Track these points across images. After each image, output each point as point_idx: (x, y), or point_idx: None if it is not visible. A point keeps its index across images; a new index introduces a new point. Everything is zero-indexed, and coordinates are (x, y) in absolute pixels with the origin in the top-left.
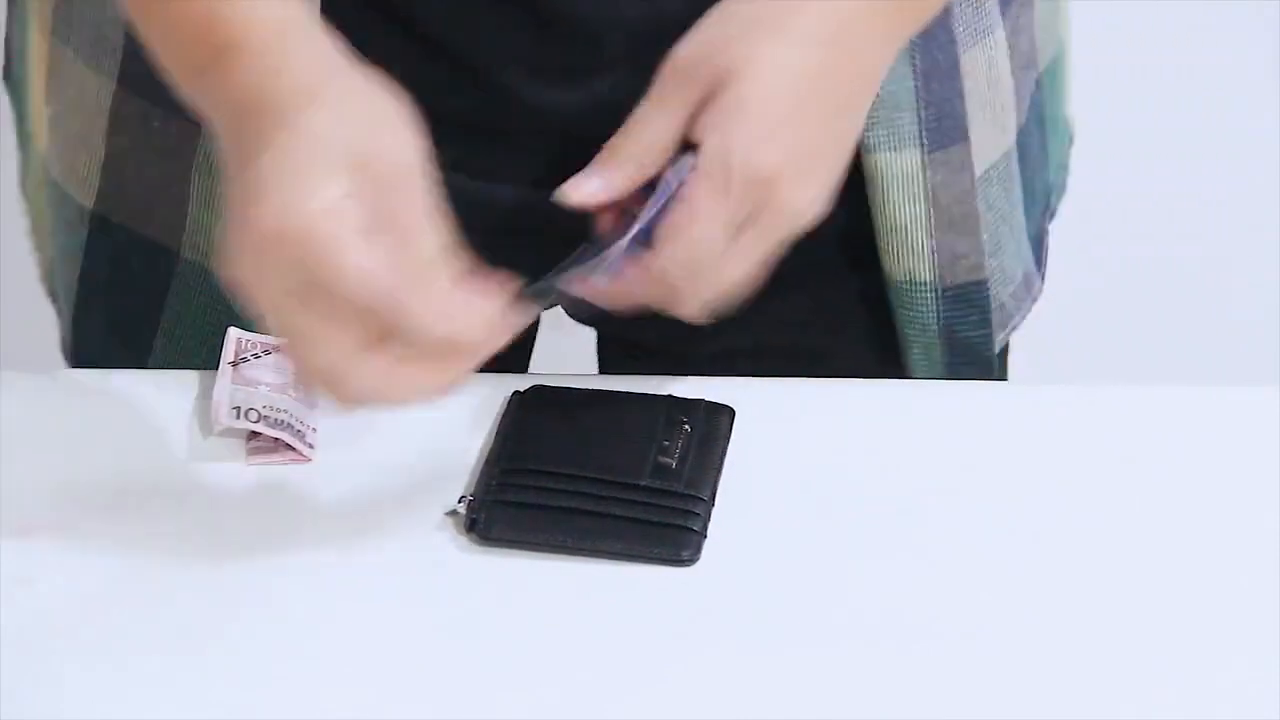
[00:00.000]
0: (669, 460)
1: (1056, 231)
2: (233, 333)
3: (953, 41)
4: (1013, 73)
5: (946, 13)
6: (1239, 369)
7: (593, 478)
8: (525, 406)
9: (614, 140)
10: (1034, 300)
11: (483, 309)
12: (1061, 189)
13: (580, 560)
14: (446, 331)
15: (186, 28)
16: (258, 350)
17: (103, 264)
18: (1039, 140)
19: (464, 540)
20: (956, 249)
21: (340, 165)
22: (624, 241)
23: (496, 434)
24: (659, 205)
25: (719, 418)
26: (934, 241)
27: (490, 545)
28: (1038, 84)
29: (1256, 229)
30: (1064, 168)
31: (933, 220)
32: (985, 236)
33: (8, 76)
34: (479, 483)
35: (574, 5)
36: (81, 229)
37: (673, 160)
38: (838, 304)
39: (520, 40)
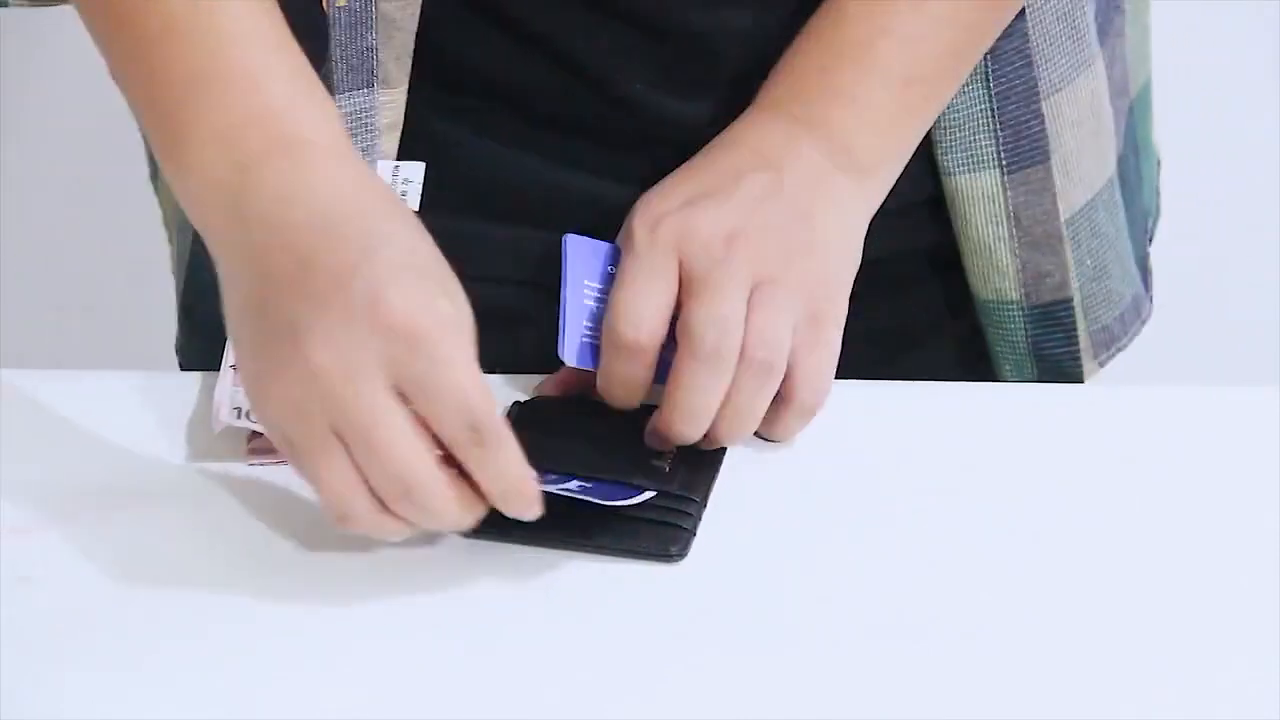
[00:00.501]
0: (662, 464)
1: None
2: None
3: (1029, 65)
4: (1110, 101)
5: (1023, 37)
6: (1239, 369)
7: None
8: (524, 415)
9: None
10: (1143, 322)
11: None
12: (1157, 214)
13: (573, 558)
14: (520, 475)
15: (237, 113)
16: None
17: (205, 269)
18: (1134, 166)
19: (456, 536)
20: (1041, 267)
21: (446, 290)
22: None
23: None
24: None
25: None
26: (1019, 260)
27: (479, 540)
28: (1130, 111)
29: (1256, 229)
30: (1156, 192)
31: (1016, 240)
32: (1081, 258)
33: None
34: None
35: (688, 18)
36: (188, 234)
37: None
38: (925, 318)
39: (639, 53)
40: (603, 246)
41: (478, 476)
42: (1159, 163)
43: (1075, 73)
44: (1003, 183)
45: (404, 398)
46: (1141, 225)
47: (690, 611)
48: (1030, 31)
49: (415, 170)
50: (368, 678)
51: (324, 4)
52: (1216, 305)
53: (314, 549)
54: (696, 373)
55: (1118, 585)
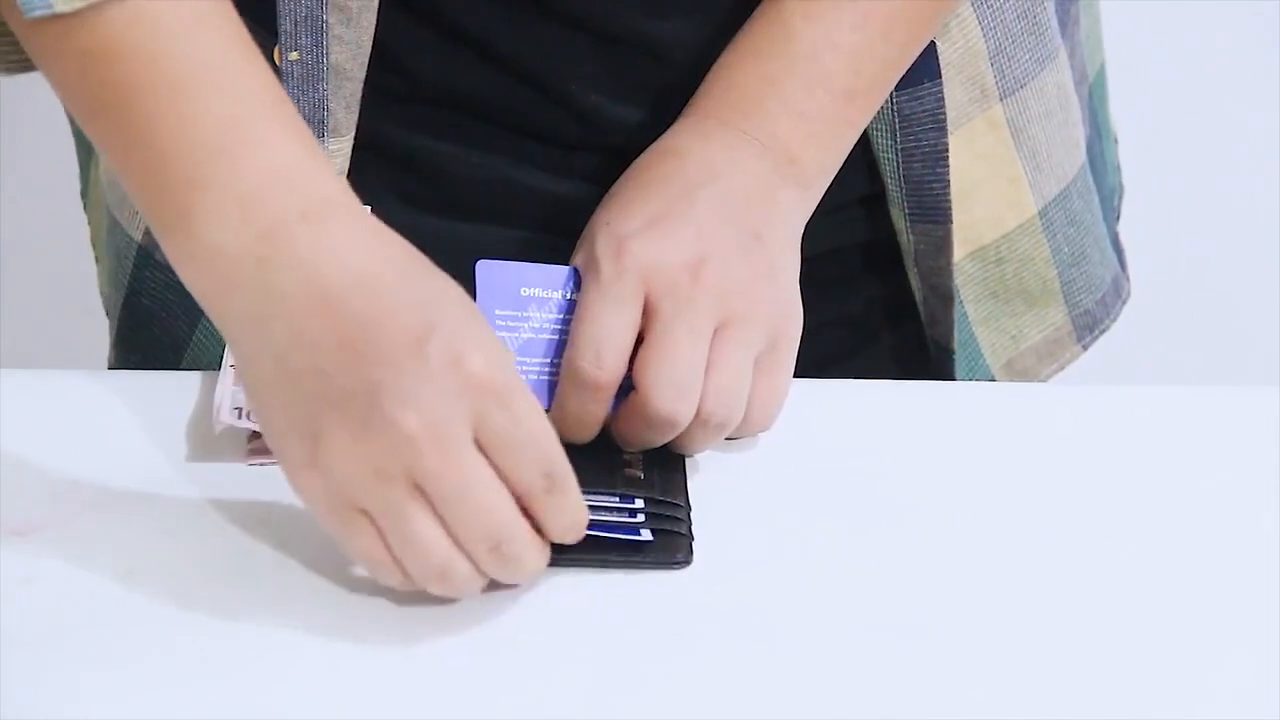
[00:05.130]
0: (636, 472)
1: None
2: None
3: (941, 130)
4: (1075, 89)
5: (937, 99)
6: (1239, 369)
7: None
8: None
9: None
10: (1124, 302)
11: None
12: (1121, 190)
13: (566, 571)
14: (583, 510)
15: (253, 180)
16: None
17: (145, 296)
18: (1099, 149)
19: None
20: (935, 313)
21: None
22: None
23: None
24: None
25: None
26: (921, 294)
27: None
28: (1090, 94)
29: (1256, 229)
30: (1118, 169)
31: (918, 278)
32: (1059, 246)
33: None
34: None
35: (635, 26)
36: (129, 259)
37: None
38: (864, 314)
39: (587, 59)
40: (513, 268)
41: (547, 519)
42: (1116, 140)
43: (1039, 67)
44: (905, 225)
45: (484, 450)
46: (1110, 204)
47: (680, 616)
48: (985, 32)
49: None
50: (370, 678)
51: (276, 58)
52: (1216, 305)
53: (314, 549)
54: (646, 431)
55: (1118, 585)
